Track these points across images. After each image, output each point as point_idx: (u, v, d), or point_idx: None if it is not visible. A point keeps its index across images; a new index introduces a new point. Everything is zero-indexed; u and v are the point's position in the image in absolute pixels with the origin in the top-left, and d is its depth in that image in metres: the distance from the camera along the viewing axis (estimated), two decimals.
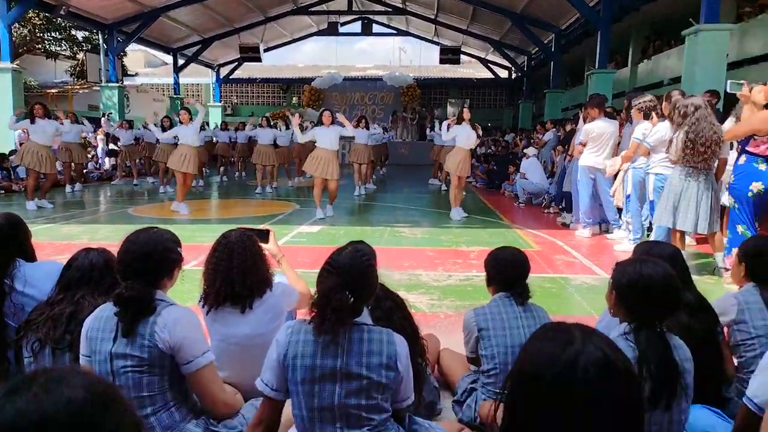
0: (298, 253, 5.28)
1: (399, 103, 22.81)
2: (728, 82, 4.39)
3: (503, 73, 25.90)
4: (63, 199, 9.89)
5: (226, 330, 2.10)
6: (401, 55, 34.21)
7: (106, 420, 0.64)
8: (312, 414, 1.56)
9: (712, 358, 2.18)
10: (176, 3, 16.30)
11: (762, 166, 4.04)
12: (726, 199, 4.61)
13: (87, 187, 11.82)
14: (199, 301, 2.16)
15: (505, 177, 11.36)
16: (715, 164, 4.48)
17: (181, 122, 8.38)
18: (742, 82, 4.28)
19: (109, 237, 6.06)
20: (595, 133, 6.41)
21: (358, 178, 10.77)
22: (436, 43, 23.43)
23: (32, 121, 8.50)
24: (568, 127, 8.84)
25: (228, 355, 2.11)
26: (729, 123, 4.62)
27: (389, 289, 2.19)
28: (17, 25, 16.77)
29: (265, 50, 22.56)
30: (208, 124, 17.69)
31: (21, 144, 10.91)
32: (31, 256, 2.30)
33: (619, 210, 6.49)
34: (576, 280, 4.68)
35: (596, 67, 12.37)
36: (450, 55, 20.67)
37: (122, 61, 19.81)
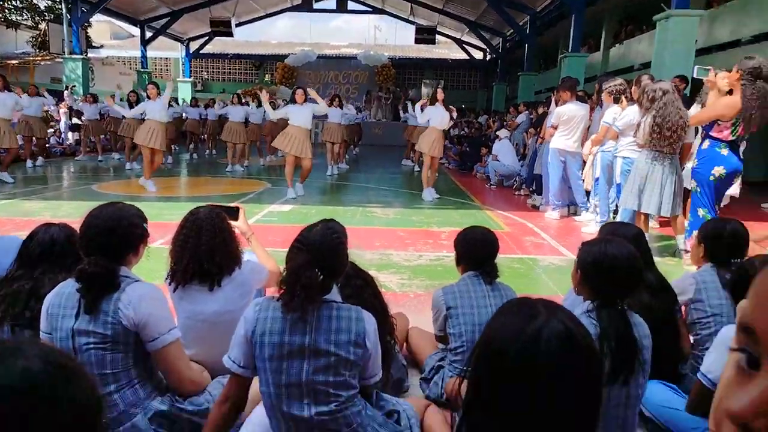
0: (268, 232, 5.24)
1: (373, 82, 22.64)
2: (695, 67, 4.48)
3: (478, 55, 25.89)
4: (24, 175, 9.56)
5: (194, 307, 2.08)
6: (376, 34, 33.84)
7: (65, 391, 0.62)
8: (279, 390, 1.56)
9: (670, 336, 2.26)
10: None
11: (724, 151, 4.15)
12: (689, 182, 4.74)
13: (49, 163, 11.44)
14: (166, 279, 2.13)
15: (477, 159, 11.43)
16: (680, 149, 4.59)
17: (148, 97, 8.15)
18: (708, 68, 4.37)
19: (72, 214, 5.90)
20: (567, 116, 6.48)
21: (330, 158, 10.68)
22: (412, 23, 23.24)
23: None
24: (541, 110, 8.92)
25: (195, 333, 2.09)
26: (694, 109, 4.73)
27: (359, 268, 2.19)
28: None
29: (237, 25, 21.99)
30: (177, 100, 17.22)
31: None
32: None
33: (588, 193, 6.62)
34: (544, 261, 4.77)
35: (569, 50, 12.46)
36: (425, 35, 20.53)
37: (86, 33, 19.03)
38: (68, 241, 1.89)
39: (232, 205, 2.52)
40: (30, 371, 0.61)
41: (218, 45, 25.71)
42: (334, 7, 21.82)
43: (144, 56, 20.60)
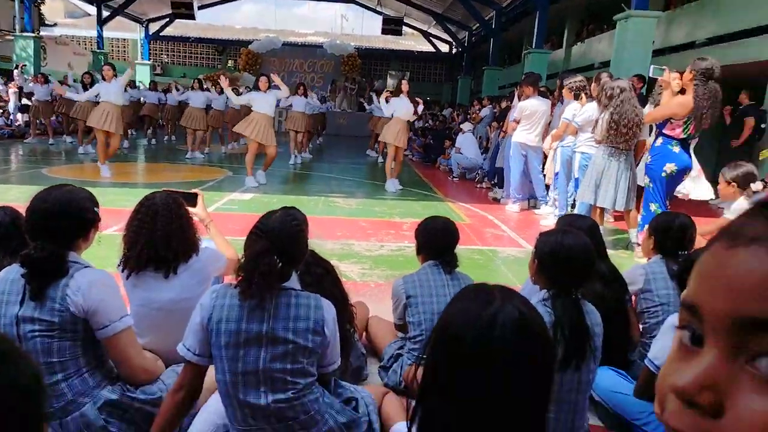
0: (228, 221, 5.15)
1: (339, 72, 22.46)
2: (651, 66, 4.62)
3: (444, 48, 26.03)
4: None
5: (148, 295, 2.02)
6: (343, 23, 33.55)
7: (4, 376, 0.59)
8: (236, 378, 1.54)
9: (620, 324, 2.34)
10: None
11: (676, 149, 4.31)
12: (642, 178, 4.90)
13: None
14: (119, 266, 2.06)
15: (441, 151, 11.51)
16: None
17: (103, 78, 7.84)
18: (663, 67, 4.52)
19: (20, 198, 5.58)
20: (529, 110, 6.59)
21: (294, 147, 10.56)
22: (379, 13, 23.13)
23: None
24: (504, 104, 9.04)
25: (149, 321, 2.03)
26: (647, 108, 4.89)
27: (320, 256, 2.18)
28: None
29: (200, 8, 21.42)
30: (134, 83, 16.66)
31: None
32: None
33: (548, 187, 6.76)
34: (503, 253, 4.86)
35: (533, 46, 12.67)
36: (392, 26, 20.51)
37: (39, 10, 18.20)
38: (13, 224, 1.81)
39: (191, 191, 2.46)
40: None
41: (179, 28, 24.99)
42: None
43: (100, 36, 19.81)
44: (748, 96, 7.57)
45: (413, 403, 0.91)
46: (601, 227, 4.55)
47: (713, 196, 5.03)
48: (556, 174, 6.32)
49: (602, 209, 4.85)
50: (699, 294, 0.34)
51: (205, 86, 12.14)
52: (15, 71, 13.41)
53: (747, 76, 8.14)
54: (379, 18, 21.87)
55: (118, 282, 1.83)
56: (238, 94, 10.12)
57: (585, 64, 13.67)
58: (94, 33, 20.44)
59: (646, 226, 2.60)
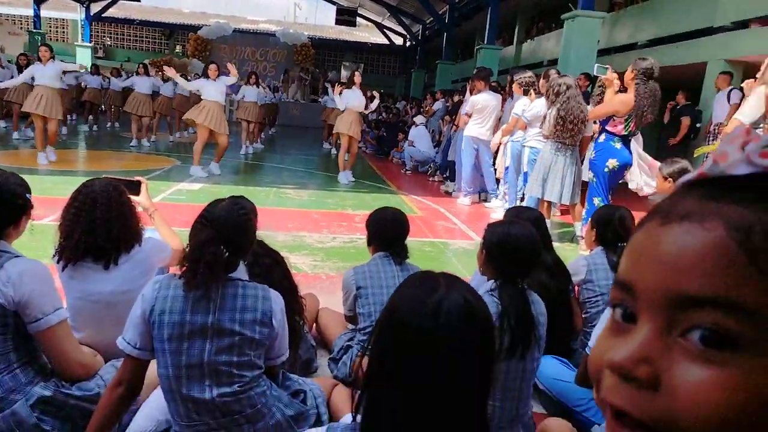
0: (175, 211, 4.98)
1: (292, 61, 22.09)
2: (595, 65, 4.78)
3: (398, 41, 26.07)
4: None
5: (86, 287, 1.93)
6: (296, 12, 33.02)
7: None
8: (179, 372, 1.49)
9: (564, 314, 2.42)
10: None
11: (617, 145, 4.48)
12: (586, 173, 5.08)
13: None
14: (54, 256, 1.96)
15: (394, 144, 11.55)
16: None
17: (39, 60, 7.40)
18: (607, 66, 4.68)
19: None
20: (480, 105, 6.69)
21: (245, 137, 10.33)
22: (333, 2, 22.89)
23: None
24: (456, 98, 9.15)
25: (87, 314, 1.94)
26: (589, 106, 5.06)
27: (269, 247, 2.15)
28: None
29: None
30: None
31: None
32: None
33: (499, 181, 6.90)
34: (454, 245, 4.93)
35: (485, 42, 12.86)
36: (346, 17, 20.40)
37: None
38: None
39: (134, 179, 2.37)
40: None
41: (123, 9, 23.93)
42: None
43: (37, 15, 18.73)
44: (685, 97, 7.95)
45: (359, 393, 0.91)
46: (548, 221, 4.70)
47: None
48: (507, 168, 6.46)
49: (549, 203, 4.99)
50: (632, 272, 0.35)
51: (151, 72, 11.70)
52: None
53: (684, 77, 8.56)
54: (333, 8, 21.70)
55: (54, 274, 1.74)
56: (187, 80, 9.81)
57: (535, 61, 14.00)
58: (30, 12, 19.31)
59: (589, 219, 2.69)
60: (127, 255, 1.96)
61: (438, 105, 10.88)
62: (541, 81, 5.50)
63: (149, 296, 1.50)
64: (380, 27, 25.29)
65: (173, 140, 11.76)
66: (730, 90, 6.88)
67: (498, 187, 6.90)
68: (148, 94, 10.47)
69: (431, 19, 18.90)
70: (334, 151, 11.37)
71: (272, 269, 2.04)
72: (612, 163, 4.46)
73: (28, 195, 1.64)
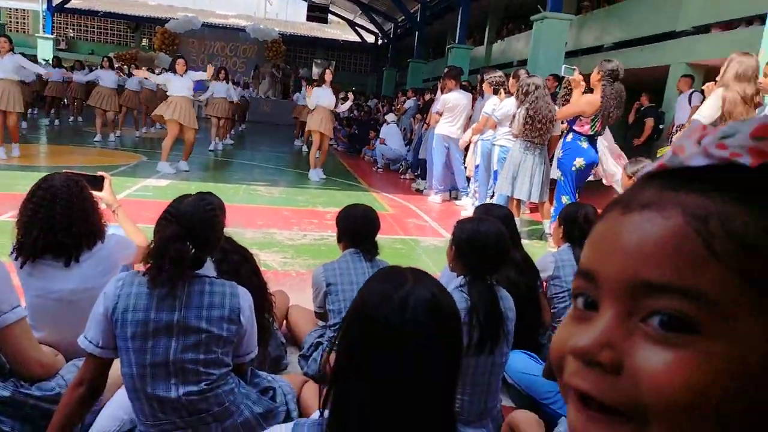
0: (142, 208, 4.87)
1: (263, 57, 21.82)
2: (563, 66, 4.86)
3: (370, 39, 26.04)
4: None
5: (46, 285, 1.87)
6: (267, 7, 32.63)
7: None
8: (143, 371, 1.46)
9: (532, 309, 2.46)
10: None
11: (584, 144, 4.57)
12: (555, 172, 5.17)
13: None
14: (12, 253, 1.89)
15: (365, 142, 11.54)
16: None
17: None
18: (574, 67, 4.77)
19: None
20: (451, 103, 6.74)
21: (215, 133, 10.17)
22: None
23: None
24: (427, 97, 9.20)
25: (47, 313, 1.88)
26: (557, 105, 5.16)
27: (238, 244, 2.12)
28: None
29: None
30: (35, 59, 15.32)
31: None
32: None
33: (469, 179, 6.96)
34: (425, 242, 4.95)
35: (456, 42, 12.95)
36: (318, 13, 20.30)
37: None
38: None
39: (97, 174, 2.30)
40: None
41: (88, 0, 23.25)
42: None
43: None
44: (648, 98, 8.17)
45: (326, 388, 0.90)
46: (518, 218, 4.77)
47: None
48: (477, 166, 6.52)
49: (519, 201, 5.06)
50: (594, 260, 0.35)
51: (116, 66, 11.40)
52: None
53: (648, 79, 8.80)
54: (304, 4, 21.53)
55: (12, 272, 1.68)
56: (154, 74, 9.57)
57: (505, 61, 14.17)
58: None
59: (557, 217, 2.74)
60: (89, 252, 1.91)
61: (409, 103, 10.91)
62: (511, 80, 5.57)
63: (112, 294, 1.46)
64: (352, 24, 25.22)
65: (139, 135, 11.49)
66: (692, 93, 7.10)
67: (468, 185, 6.96)
68: (113, 88, 10.20)
69: (403, 17, 18.95)
70: (305, 148, 11.28)
71: (241, 266, 2.01)
72: (579, 162, 4.55)
73: None
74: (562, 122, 4.91)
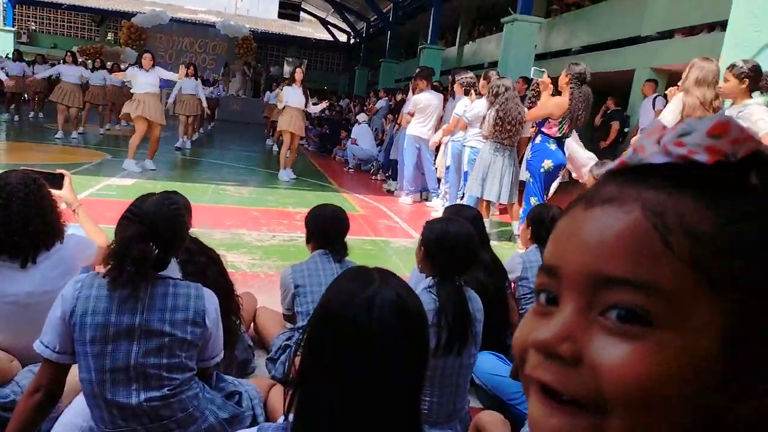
0: (105, 207, 4.73)
1: (233, 54, 21.51)
2: (532, 68, 4.94)
3: (342, 37, 25.96)
4: None
5: (0, 287, 1.79)
6: (237, 3, 32.21)
7: None
8: (103, 376, 1.41)
9: (500, 310, 2.48)
10: None
11: (552, 146, 4.65)
12: (524, 173, 5.24)
13: None
14: None
15: (337, 142, 11.49)
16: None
17: None
18: (543, 69, 4.84)
19: None
20: (422, 104, 6.76)
21: (183, 131, 9.96)
22: None
23: None
24: (399, 97, 9.20)
25: (2, 316, 1.80)
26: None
27: (204, 245, 2.08)
28: None
29: None
30: None
31: None
32: None
33: (440, 180, 7.00)
34: (395, 243, 4.95)
35: (428, 42, 13.02)
36: (289, 11, 20.09)
37: None
38: None
39: (56, 172, 2.22)
40: None
41: None
42: None
43: None
44: (614, 102, 8.36)
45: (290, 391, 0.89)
46: (487, 220, 4.82)
47: None
48: (448, 167, 6.56)
49: (489, 202, 5.11)
50: (557, 255, 0.36)
51: (80, 60, 11.07)
52: None
53: (614, 83, 9.00)
54: (276, 1, 21.31)
55: None
56: (120, 69, 9.35)
57: (476, 62, 14.30)
58: None
59: (525, 218, 2.77)
60: (47, 253, 1.84)
61: (381, 103, 10.91)
62: (482, 82, 5.62)
63: (69, 296, 1.41)
64: (324, 23, 25.09)
65: (103, 132, 11.17)
66: (655, 97, 7.30)
67: (439, 187, 6.99)
68: (76, 84, 9.89)
69: (375, 16, 18.94)
70: (275, 147, 11.16)
71: (207, 267, 1.98)
72: (547, 163, 4.62)
73: None
74: (532, 125, 4.98)
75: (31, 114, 12.61)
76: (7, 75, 11.75)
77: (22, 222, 1.76)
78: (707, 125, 0.32)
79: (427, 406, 1.77)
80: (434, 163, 6.96)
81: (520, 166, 5.18)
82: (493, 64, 11.24)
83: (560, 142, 4.66)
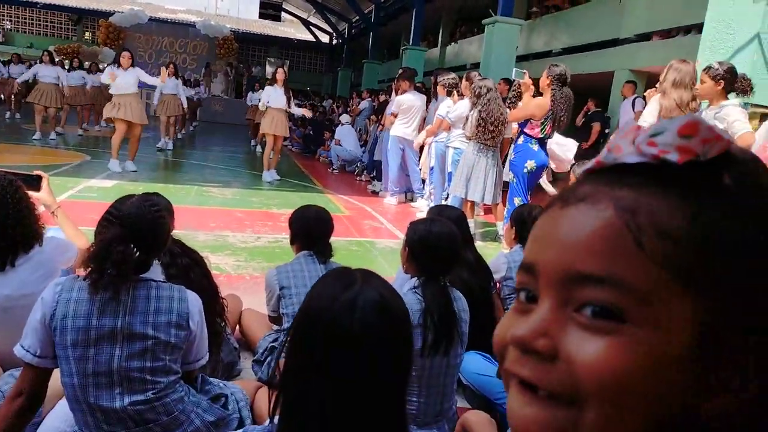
0: (85, 209, 4.65)
1: (214, 55, 21.31)
2: (514, 69, 4.98)
3: (324, 38, 25.87)
4: None
5: None
6: (218, 3, 31.93)
7: None
8: (85, 380, 1.39)
9: (486, 310, 2.49)
10: None
11: (535, 147, 4.69)
12: (507, 174, 5.28)
13: None
14: None
15: (320, 142, 11.45)
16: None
17: None
18: (524, 71, 4.89)
19: None
20: (406, 105, 6.77)
21: (164, 132, 9.85)
22: None
23: None
24: (382, 98, 9.21)
25: None
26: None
27: (187, 247, 2.06)
28: None
29: None
30: None
31: None
32: None
33: (424, 181, 7.02)
34: (380, 244, 4.96)
35: (410, 43, 13.04)
36: (270, 11, 19.97)
37: None
38: None
39: (33, 173, 2.19)
40: None
41: None
42: None
43: None
44: (595, 103, 8.47)
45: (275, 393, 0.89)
46: (472, 220, 4.84)
47: None
48: (432, 168, 6.58)
49: (473, 203, 5.14)
50: (535, 253, 0.37)
51: (57, 59, 10.87)
52: None
53: (595, 84, 9.12)
54: (257, 1, 21.17)
55: None
56: (98, 70, 9.20)
57: (458, 64, 14.36)
58: None
59: (509, 218, 2.80)
60: (26, 256, 1.81)
61: (364, 104, 10.91)
62: (464, 83, 5.65)
63: (49, 299, 1.39)
64: (306, 23, 24.99)
65: (82, 133, 10.98)
66: (635, 98, 7.41)
67: (423, 187, 7.01)
68: (54, 84, 9.71)
69: (357, 17, 18.91)
70: (259, 149, 11.09)
71: (191, 270, 1.96)
72: (530, 164, 4.66)
73: None
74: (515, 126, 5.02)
75: (8, 114, 12.35)
76: None
77: (0, 225, 1.73)
78: (678, 125, 0.33)
79: (415, 407, 1.77)
80: (418, 164, 6.98)
81: (503, 167, 5.22)
82: (476, 65, 11.31)
83: (543, 142, 4.71)
